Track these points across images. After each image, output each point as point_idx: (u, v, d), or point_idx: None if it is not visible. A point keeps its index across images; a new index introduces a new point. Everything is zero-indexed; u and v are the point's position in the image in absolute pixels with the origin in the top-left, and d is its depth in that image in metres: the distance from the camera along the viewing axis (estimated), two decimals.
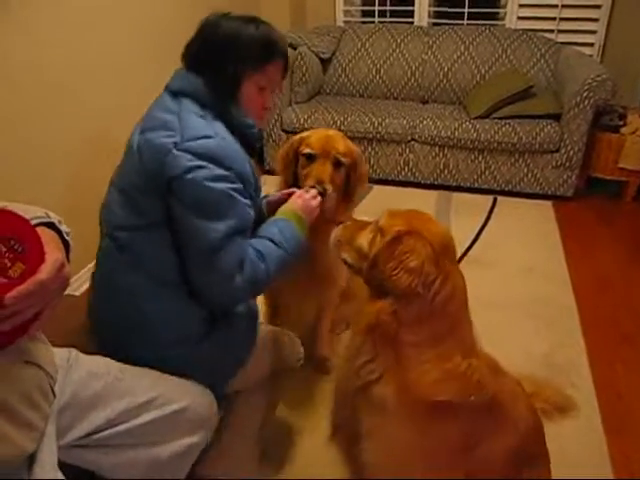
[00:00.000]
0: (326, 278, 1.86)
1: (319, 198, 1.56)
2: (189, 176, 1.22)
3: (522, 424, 1.23)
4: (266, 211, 1.63)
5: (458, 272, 1.23)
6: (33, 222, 0.87)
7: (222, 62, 1.38)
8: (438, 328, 1.15)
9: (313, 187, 1.61)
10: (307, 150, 1.72)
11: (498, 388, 1.20)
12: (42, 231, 0.86)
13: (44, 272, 0.79)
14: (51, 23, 2.26)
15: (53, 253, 0.83)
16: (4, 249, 0.77)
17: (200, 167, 1.23)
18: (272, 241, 1.39)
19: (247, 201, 1.32)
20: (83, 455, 1.11)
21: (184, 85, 1.39)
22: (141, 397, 1.18)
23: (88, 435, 1.10)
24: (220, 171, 1.25)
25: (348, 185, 1.79)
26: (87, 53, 2.49)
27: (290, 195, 1.59)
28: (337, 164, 1.72)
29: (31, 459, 0.93)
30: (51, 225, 0.93)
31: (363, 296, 1.29)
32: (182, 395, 1.26)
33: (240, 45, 1.39)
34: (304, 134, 1.79)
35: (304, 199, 1.53)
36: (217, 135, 1.29)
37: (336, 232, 1.39)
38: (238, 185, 1.29)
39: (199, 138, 1.26)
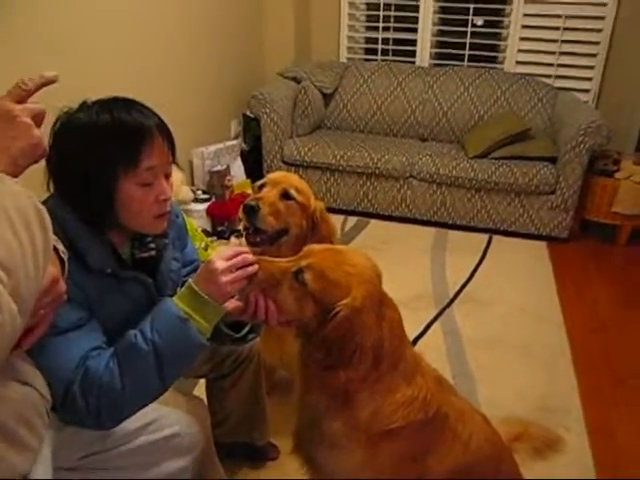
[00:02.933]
0: None
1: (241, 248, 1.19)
2: None
3: (474, 443, 1.22)
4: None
5: (390, 305, 1.20)
6: None
7: (81, 184, 1.12)
8: (381, 366, 1.14)
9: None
10: (261, 182, 1.72)
11: (443, 399, 1.21)
12: None
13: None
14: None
15: (48, 267, 0.83)
16: None
17: None
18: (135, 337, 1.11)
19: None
20: (75, 477, 1.12)
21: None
22: (136, 422, 1.19)
23: (82, 458, 1.11)
24: None
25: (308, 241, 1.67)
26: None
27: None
28: (286, 195, 1.66)
29: None
30: None
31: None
32: (174, 422, 1.27)
33: (93, 156, 1.12)
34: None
35: (210, 262, 1.13)
36: None
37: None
38: None
39: None
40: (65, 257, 0.95)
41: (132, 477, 1.20)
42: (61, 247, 0.96)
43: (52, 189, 1.17)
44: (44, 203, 1.14)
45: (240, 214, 1.65)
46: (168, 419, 1.26)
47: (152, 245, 1.28)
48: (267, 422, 1.77)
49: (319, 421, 1.19)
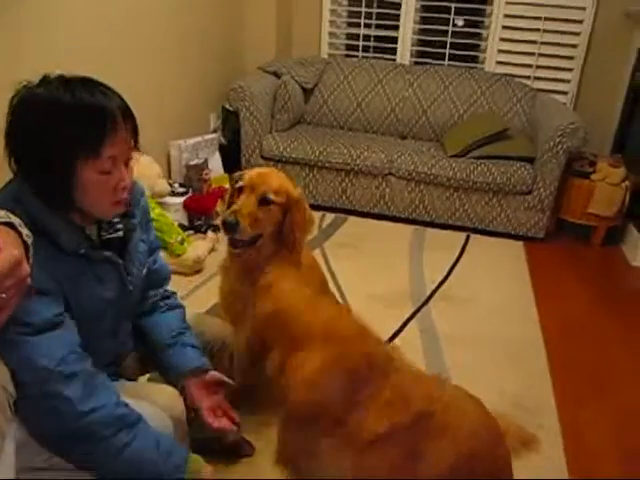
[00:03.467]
0: None
1: None
2: None
3: (467, 432, 1.22)
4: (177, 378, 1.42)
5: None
6: None
7: (41, 164, 1.09)
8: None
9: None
10: (239, 183, 1.67)
11: (424, 396, 1.21)
12: (0, 229, 0.85)
13: None
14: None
15: (8, 249, 0.81)
16: None
17: None
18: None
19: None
20: (41, 476, 1.10)
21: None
22: None
23: (50, 457, 1.09)
24: None
25: (283, 230, 1.69)
26: None
27: (215, 385, 1.42)
28: (265, 200, 1.64)
29: None
30: (10, 226, 0.92)
31: None
32: (147, 419, 1.23)
33: (54, 138, 1.08)
34: (244, 171, 1.74)
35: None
36: None
37: None
38: None
39: None
40: (29, 241, 0.92)
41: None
42: (25, 231, 0.93)
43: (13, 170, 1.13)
44: (7, 185, 1.11)
45: (220, 228, 1.66)
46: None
47: (119, 226, 1.27)
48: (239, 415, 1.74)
49: None
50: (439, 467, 1.17)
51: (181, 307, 1.53)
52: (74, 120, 1.08)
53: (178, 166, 3.49)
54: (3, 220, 0.92)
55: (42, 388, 1.04)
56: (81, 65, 2.55)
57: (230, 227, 1.60)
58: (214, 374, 1.43)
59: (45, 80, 1.12)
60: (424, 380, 1.28)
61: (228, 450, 1.77)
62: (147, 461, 1.14)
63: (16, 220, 0.95)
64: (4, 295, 0.80)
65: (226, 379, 1.40)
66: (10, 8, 2.14)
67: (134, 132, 1.20)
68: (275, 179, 1.68)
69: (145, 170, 2.94)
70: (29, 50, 2.27)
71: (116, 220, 1.26)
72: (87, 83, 1.14)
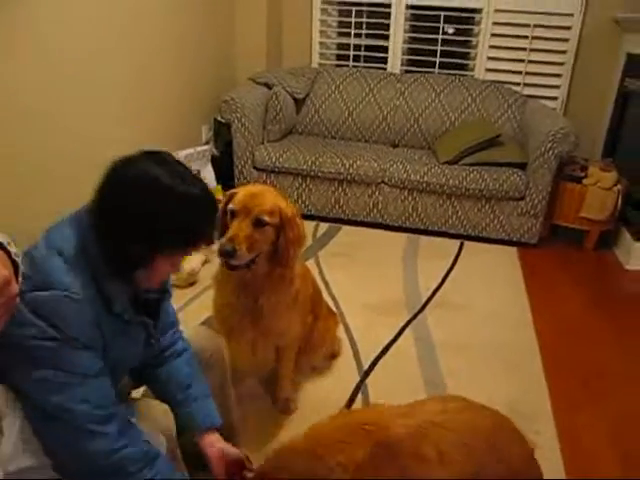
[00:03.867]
0: (272, 330, 1.83)
1: None
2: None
3: (449, 457, 1.17)
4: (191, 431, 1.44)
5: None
6: None
7: (129, 239, 1.13)
8: None
9: None
10: (230, 206, 1.66)
11: (383, 425, 1.17)
12: None
13: None
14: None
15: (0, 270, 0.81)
16: None
17: (31, 324, 1.06)
18: None
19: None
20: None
21: (85, 231, 1.15)
22: None
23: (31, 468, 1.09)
24: (52, 331, 1.07)
25: (278, 248, 1.69)
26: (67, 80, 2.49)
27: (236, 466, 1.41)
28: (259, 222, 1.63)
29: None
30: None
31: None
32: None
33: (158, 229, 1.13)
34: (235, 190, 1.73)
35: None
36: (67, 288, 1.09)
37: None
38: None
39: (45, 289, 1.08)
40: (18, 259, 0.92)
41: None
42: (14, 250, 0.93)
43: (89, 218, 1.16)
44: (77, 218, 1.16)
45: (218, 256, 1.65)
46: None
47: (151, 294, 1.32)
48: (236, 431, 1.73)
49: None
50: None
51: (187, 349, 1.50)
52: (187, 212, 1.15)
53: None
54: None
55: (81, 428, 1.10)
56: (77, 83, 2.57)
57: (228, 255, 1.59)
58: (230, 453, 1.42)
59: (151, 157, 1.16)
60: (382, 408, 1.27)
61: None
62: None
63: (4, 239, 0.94)
64: None
65: (246, 461, 1.40)
66: (3, 7, 2.13)
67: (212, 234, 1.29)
68: (267, 199, 1.66)
69: None
70: (22, 49, 2.27)
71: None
72: (193, 174, 1.20)
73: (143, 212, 1.12)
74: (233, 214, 1.65)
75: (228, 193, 1.75)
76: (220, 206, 1.70)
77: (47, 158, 2.48)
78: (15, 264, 0.92)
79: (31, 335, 1.06)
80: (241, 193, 1.69)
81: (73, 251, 1.12)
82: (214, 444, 1.42)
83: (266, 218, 1.63)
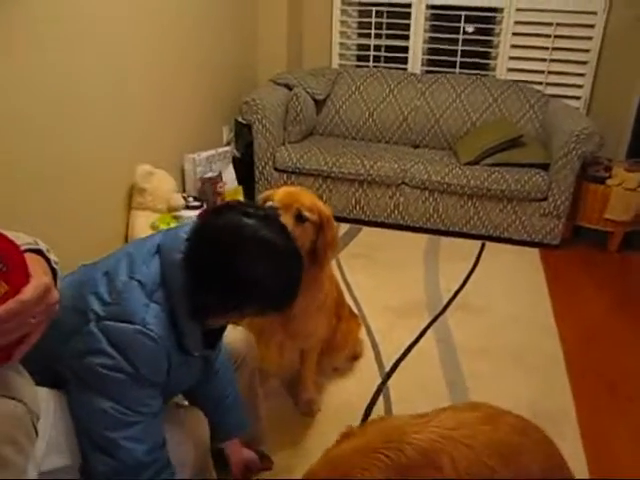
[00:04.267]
0: (300, 332, 1.85)
1: None
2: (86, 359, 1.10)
3: (468, 469, 1.18)
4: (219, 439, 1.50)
5: None
6: (24, 247, 0.87)
7: (225, 297, 1.16)
8: None
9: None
10: (270, 204, 1.66)
11: (403, 437, 1.18)
12: (29, 256, 0.86)
13: (27, 293, 0.78)
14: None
15: (38, 276, 0.82)
16: None
17: (103, 353, 1.09)
18: None
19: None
20: None
21: (172, 271, 1.16)
22: None
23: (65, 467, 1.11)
24: (124, 364, 1.10)
25: (316, 249, 1.70)
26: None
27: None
28: (300, 218, 1.64)
29: None
30: (39, 252, 0.93)
31: None
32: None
33: (257, 294, 1.16)
34: (272, 190, 1.74)
35: None
36: (145, 324, 1.11)
37: None
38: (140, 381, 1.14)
39: (124, 321, 1.10)
40: (57, 267, 0.94)
41: None
42: (53, 257, 0.95)
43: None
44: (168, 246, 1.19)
45: None
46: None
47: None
48: (263, 429, 1.75)
49: None
50: None
51: (228, 364, 1.52)
52: (275, 295, 1.18)
53: (192, 180, 3.51)
54: (33, 247, 0.93)
55: (124, 462, 1.11)
56: (98, 83, 2.60)
57: None
58: (249, 456, 1.51)
59: (248, 211, 1.17)
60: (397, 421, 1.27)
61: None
62: None
63: (44, 246, 0.96)
64: (33, 320, 0.81)
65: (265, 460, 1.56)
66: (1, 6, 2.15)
67: None
68: (306, 197, 1.68)
69: (160, 184, 2.97)
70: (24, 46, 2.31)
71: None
72: (283, 226, 1.23)
73: (249, 264, 1.12)
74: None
75: (265, 194, 1.76)
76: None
77: (61, 163, 2.51)
78: (54, 271, 0.93)
79: (101, 363, 1.08)
80: (280, 191, 1.70)
81: (155, 286, 1.13)
82: (237, 448, 1.44)
83: (307, 214, 1.65)
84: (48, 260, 0.93)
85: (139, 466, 1.12)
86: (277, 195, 1.68)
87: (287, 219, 1.60)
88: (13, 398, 0.90)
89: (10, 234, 0.87)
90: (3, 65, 2.08)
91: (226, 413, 1.44)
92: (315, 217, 1.67)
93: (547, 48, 3.99)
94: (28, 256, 0.85)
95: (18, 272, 0.80)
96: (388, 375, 2.29)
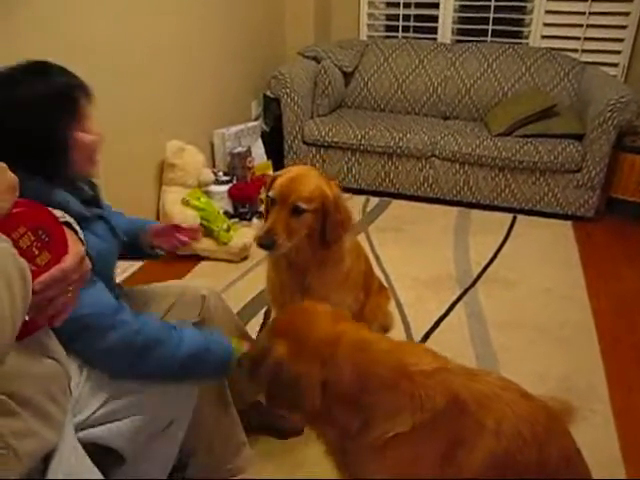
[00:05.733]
0: None
1: None
2: None
3: (506, 428, 1.16)
4: (145, 238, 1.63)
5: (347, 337, 1.22)
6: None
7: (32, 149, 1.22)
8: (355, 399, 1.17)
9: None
10: (270, 193, 1.65)
11: (453, 388, 1.17)
12: (65, 229, 0.92)
13: (68, 261, 0.84)
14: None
15: (75, 245, 0.89)
16: (33, 238, 0.81)
17: None
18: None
19: None
20: (93, 432, 1.23)
21: None
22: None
23: (94, 413, 1.23)
24: None
25: (325, 230, 1.66)
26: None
27: (174, 229, 1.64)
28: (296, 210, 1.60)
29: (46, 456, 0.96)
30: (68, 225, 0.97)
31: None
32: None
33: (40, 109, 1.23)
34: (278, 173, 1.70)
35: None
36: None
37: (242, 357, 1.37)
38: None
39: None
40: (83, 237, 0.97)
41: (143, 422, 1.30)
42: (79, 229, 0.98)
43: None
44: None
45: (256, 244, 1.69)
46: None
47: (86, 187, 1.42)
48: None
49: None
50: (473, 462, 1.15)
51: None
52: (59, 103, 1.25)
53: (222, 155, 3.54)
54: (63, 220, 0.97)
55: (99, 327, 1.23)
56: (125, 58, 2.62)
57: (267, 248, 1.61)
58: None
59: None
60: (454, 370, 1.25)
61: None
62: (202, 346, 1.34)
63: (71, 219, 1.00)
64: (71, 287, 0.86)
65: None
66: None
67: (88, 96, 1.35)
68: (307, 184, 1.62)
69: (190, 159, 3.01)
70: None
71: (82, 185, 1.41)
72: (39, 67, 1.27)
73: (22, 128, 1.20)
74: (273, 201, 1.64)
75: (271, 177, 1.73)
76: (263, 193, 1.74)
77: None
78: (82, 243, 0.98)
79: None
80: (281, 179, 1.66)
81: None
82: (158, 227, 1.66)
83: (304, 206, 1.60)
84: (76, 232, 0.97)
85: (106, 318, 1.23)
86: (276, 184, 1.65)
87: (282, 215, 1.59)
88: (52, 358, 0.95)
89: None
90: (40, 36, 2.11)
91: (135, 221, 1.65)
92: (314, 205, 1.62)
93: (584, 13, 3.85)
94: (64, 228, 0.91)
95: (59, 242, 0.86)
96: None
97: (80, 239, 0.98)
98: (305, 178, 1.64)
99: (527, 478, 1.18)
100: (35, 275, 0.79)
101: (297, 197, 1.60)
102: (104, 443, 1.25)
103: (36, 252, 0.81)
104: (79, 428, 1.18)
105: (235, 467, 1.63)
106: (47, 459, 0.95)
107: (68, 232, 0.92)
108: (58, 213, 0.98)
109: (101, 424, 1.24)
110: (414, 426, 1.13)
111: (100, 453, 1.21)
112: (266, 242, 1.59)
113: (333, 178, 1.79)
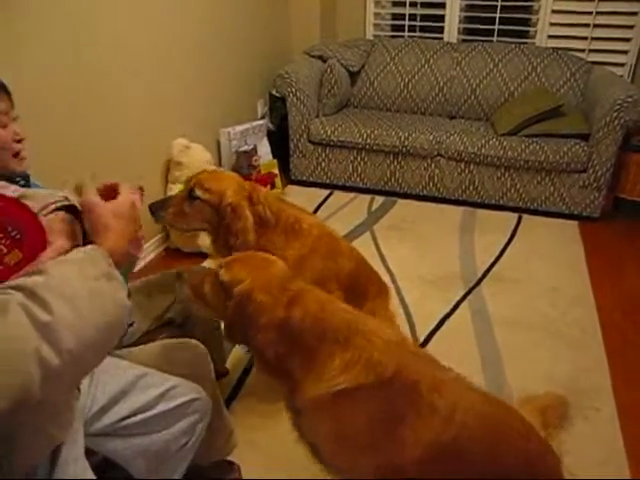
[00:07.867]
0: None
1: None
2: None
3: (458, 417, 1.16)
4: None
5: (309, 291, 1.25)
6: (52, 207, 0.89)
7: None
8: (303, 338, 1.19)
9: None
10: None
11: (402, 362, 1.19)
12: (52, 218, 0.87)
13: (43, 259, 0.80)
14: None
15: (58, 241, 0.84)
16: (0, 235, 0.77)
17: None
18: None
19: None
20: (105, 443, 1.21)
21: None
22: (159, 389, 1.28)
23: (112, 424, 1.20)
24: None
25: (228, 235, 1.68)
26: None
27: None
28: (191, 194, 1.66)
29: (53, 452, 0.97)
30: (72, 208, 0.94)
31: None
32: (187, 390, 1.34)
33: None
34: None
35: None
36: None
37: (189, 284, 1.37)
38: None
39: None
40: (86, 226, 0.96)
41: (155, 439, 1.28)
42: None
43: None
44: None
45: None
46: (183, 387, 1.33)
47: (22, 182, 1.38)
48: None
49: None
50: (417, 440, 1.15)
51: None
52: None
53: (228, 153, 3.55)
54: (64, 203, 0.95)
55: None
56: (132, 57, 2.64)
57: (153, 212, 1.67)
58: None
59: None
60: (411, 350, 1.28)
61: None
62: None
63: (75, 201, 0.98)
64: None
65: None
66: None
67: (7, 93, 1.35)
68: (212, 180, 1.68)
69: (196, 158, 3.01)
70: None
71: (17, 179, 1.37)
72: None
73: None
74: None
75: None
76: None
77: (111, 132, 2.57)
78: (84, 232, 0.98)
79: None
80: (206, 172, 1.75)
81: None
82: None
83: (198, 192, 1.66)
84: (80, 219, 0.93)
85: None
86: (198, 173, 1.72)
87: (181, 195, 1.68)
88: None
89: (39, 193, 0.89)
90: (46, 34, 2.13)
91: None
92: (208, 197, 1.66)
93: (590, 12, 3.84)
94: (51, 218, 0.86)
95: (33, 239, 0.80)
96: (422, 347, 2.30)
97: (83, 228, 0.94)
98: (219, 175, 1.73)
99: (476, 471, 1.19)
100: (3, 275, 0.74)
101: (196, 183, 1.67)
102: (114, 458, 1.25)
103: (4, 250, 0.76)
104: (94, 435, 1.17)
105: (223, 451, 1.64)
106: (54, 455, 0.96)
107: (58, 222, 0.88)
108: (58, 196, 0.94)
109: (119, 436, 1.23)
110: (359, 385, 1.15)
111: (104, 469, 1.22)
112: (155, 207, 1.67)
113: (277, 197, 1.86)
